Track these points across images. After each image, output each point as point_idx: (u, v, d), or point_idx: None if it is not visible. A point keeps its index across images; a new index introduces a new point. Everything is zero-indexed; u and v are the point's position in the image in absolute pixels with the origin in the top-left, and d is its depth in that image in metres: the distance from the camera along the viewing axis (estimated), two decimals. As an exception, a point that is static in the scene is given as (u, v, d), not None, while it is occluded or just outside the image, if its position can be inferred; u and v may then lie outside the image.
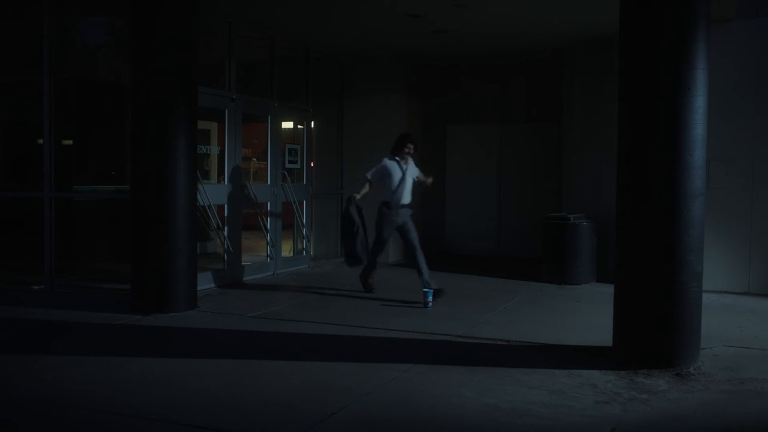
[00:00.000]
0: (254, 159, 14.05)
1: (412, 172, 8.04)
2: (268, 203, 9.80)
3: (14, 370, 5.11)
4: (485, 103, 12.08)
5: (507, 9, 8.30)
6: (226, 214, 8.97)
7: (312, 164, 11.25)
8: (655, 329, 5.15)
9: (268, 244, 9.82)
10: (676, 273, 5.07)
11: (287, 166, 10.25)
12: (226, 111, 8.99)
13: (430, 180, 8.23)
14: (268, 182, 9.93)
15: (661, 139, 5.08)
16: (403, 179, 7.85)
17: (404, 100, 11.68)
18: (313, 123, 11.17)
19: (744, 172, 8.34)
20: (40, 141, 8.31)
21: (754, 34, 8.29)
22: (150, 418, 4.12)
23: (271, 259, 9.83)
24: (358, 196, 7.98)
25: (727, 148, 8.26)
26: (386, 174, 7.87)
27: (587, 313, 7.19)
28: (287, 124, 10.74)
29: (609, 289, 5.78)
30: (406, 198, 7.91)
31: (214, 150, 11.52)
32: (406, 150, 7.91)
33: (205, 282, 8.34)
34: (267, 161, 10.04)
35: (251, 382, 4.79)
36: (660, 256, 5.10)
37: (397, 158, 7.92)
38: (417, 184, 8.22)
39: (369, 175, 7.97)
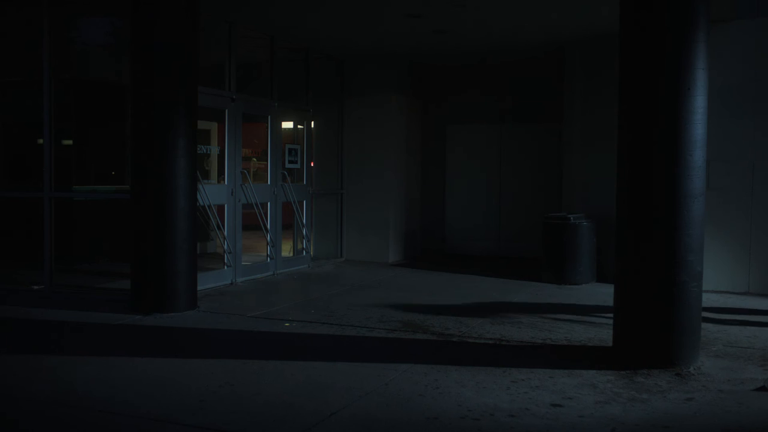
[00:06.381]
0: (254, 159, 14.07)
1: None
2: (268, 203, 9.81)
3: (14, 370, 5.11)
4: (485, 103, 12.08)
5: (507, 9, 8.30)
6: (226, 214, 8.98)
7: (312, 164, 11.25)
8: (655, 329, 5.16)
9: (268, 244, 9.82)
10: (676, 273, 5.07)
11: (287, 166, 10.25)
12: (226, 111, 8.99)
13: None
14: (268, 182, 9.93)
15: (661, 139, 5.08)
16: None
17: (404, 100, 11.68)
18: (313, 123, 11.17)
19: (744, 172, 8.34)
20: (40, 141, 8.31)
21: (754, 35, 8.30)
22: (150, 418, 4.12)
23: (271, 259, 9.82)
24: None
25: (727, 148, 8.26)
26: None
27: (587, 313, 7.18)
28: (287, 124, 10.74)
29: (609, 289, 5.79)
30: None
31: (214, 150, 11.53)
32: None
33: (205, 282, 8.34)
34: (267, 161, 10.04)
35: (251, 382, 4.79)
36: (660, 257, 5.10)
37: None
38: None
39: None
